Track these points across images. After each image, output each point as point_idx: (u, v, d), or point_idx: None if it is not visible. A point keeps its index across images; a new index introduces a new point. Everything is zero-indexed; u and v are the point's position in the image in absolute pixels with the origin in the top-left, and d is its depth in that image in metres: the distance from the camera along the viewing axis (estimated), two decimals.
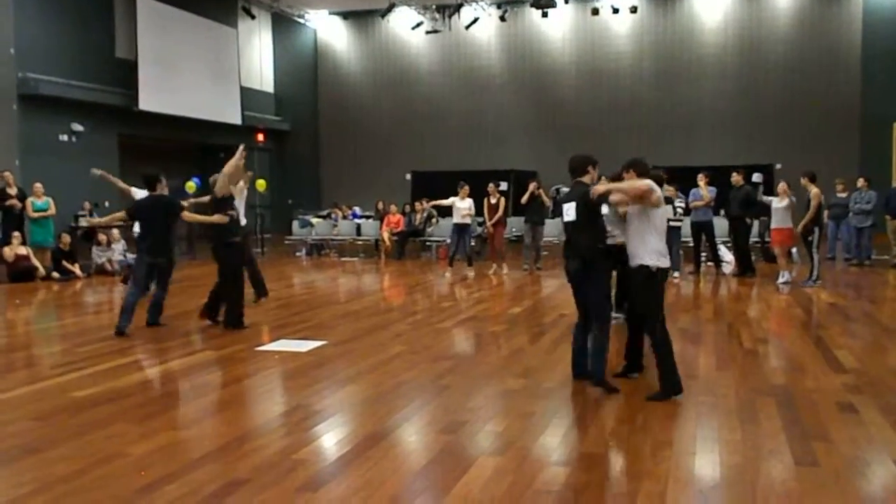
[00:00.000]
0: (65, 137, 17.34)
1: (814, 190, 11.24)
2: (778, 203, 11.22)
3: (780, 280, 11.27)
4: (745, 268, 12.44)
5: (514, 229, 18.71)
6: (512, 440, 4.57)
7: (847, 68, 21.18)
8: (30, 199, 13.47)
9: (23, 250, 13.00)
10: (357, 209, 19.85)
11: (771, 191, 14.34)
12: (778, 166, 19.56)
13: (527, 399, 5.43)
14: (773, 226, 11.48)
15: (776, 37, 21.79)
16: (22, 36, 16.03)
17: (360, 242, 17.81)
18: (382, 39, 24.89)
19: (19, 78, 16.01)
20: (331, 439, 4.62)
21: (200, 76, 20.92)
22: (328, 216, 18.95)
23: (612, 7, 22.10)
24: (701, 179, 12.46)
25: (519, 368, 6.32)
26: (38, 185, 13.65)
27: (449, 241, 14.85)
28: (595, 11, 22.37)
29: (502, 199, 13.59)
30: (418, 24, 23.01)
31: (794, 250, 11.97)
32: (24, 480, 3.92)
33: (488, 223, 13.54)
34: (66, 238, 13.63)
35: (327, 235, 18.09)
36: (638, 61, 22.82)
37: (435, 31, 22.96)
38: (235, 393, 5.91)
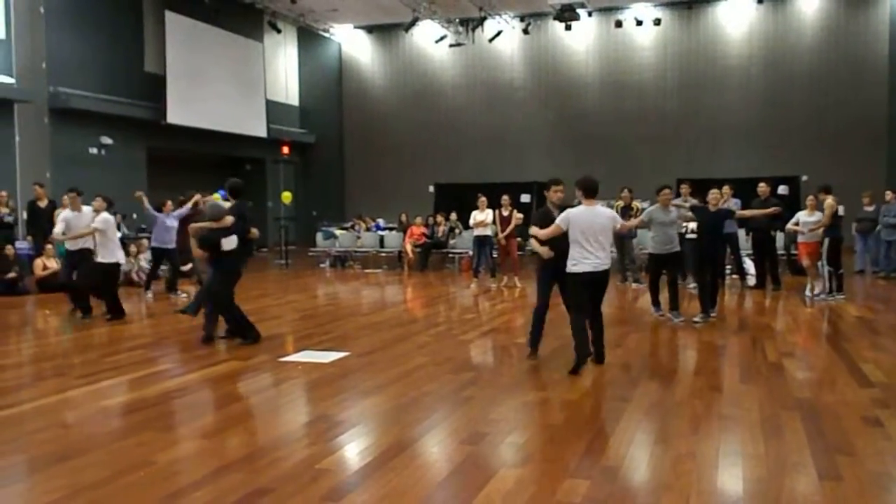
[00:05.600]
0: (95, 150, 17.68)
1: (827, 201, 11.14)
2: (807, 217, 11.13)
3: (808, 293, 11.22)
4: (772, 279, 12.32)
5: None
6: (533, 452, 4.58)
7: (874, 78, 20.96)
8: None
9: (54, 263, 13.22)
10: (380, 221, 19.98)
11: (797, 203, 14.21)
12: (804, 178, 19.37)
13: (548, 411, 5.44)
14: (800, 239, 11.38)
15: (802, 47, 21.63)
16: (53, 51, 16.40)
17: (383, 254, 17.89)
18: (406, 53, 25.09)
19: (51, 92, 16.37)
20: (354, 449, 4.66)
21: (227, 90, 21.23)
22: (352, 228, 19.09)
23: (636, 19, 22.12)
24: (725, 192, 12.38)
25: (540, 380, 6.32)
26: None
27: (471, 252, 14.93)
28: (618, 24, 22.41)
29: (515, 212, 13.60)
30: (442, 38, 23.16)
31: (819, 263, 11.85)
32: (54, 487, 4.00)
33: (500, 235, 13.58)
34: None
35: (351, 247, 18.21)
36: (662, 73, 22.76)
37: (458, 45, 23.10)
38: (260, 403, 5.98)
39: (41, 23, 16.21)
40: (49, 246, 13.31)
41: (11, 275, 12.59)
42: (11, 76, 15.61)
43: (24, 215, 14.00)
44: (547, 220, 6.89)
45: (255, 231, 8.39)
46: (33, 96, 15.89)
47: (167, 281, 12.72)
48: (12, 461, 4.51)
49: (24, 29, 15.97)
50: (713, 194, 9.72)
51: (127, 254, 14.38)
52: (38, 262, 13.09)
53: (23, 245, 13.69)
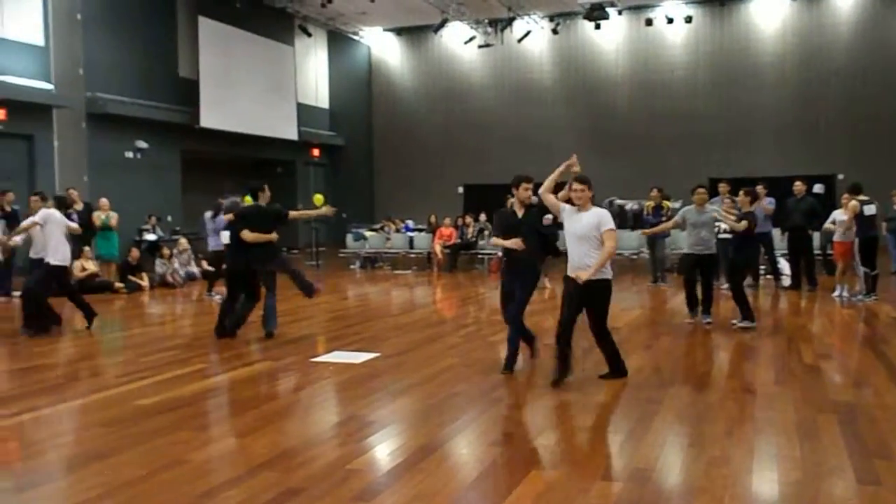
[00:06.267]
0: (130, 154, 17.96)
1: (851, 203, 10.97)
2: (842, 216, 10.95)
3: (836, 294, 11.06)
4: (808, 280, 12.16)
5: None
6: (564, 454, 4.56)
7: None
8: (96, 214, 14.00)
9: (91, 265, 13.47)
10: (410, 222, 20.02)
11: (834, 202, 13.98)
12: (840, 177, 19.05)
13: (579, 412, 5.41)
14: (835, 238, 11.21)
15: (838, 44, 21.22)
16: (90, 57, 16.72)
17: (412, 255, 17.95)
18: (435, 54, 25.14)
19: (88, 97, 16.69)
20: (384, 450, 4.69)
21: (259, 93, 21.45)
22: (381, 229, 19.17)
23: (667, 17, 21.90)
24: (759, 191, 12.22)
25: (570, 382, 6.28)
26: (104, 201, 14.20)
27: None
28: (649, 22, 22.20)
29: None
30: (471, 39, 23.15)
31: (854, 263, 11.65)
32: (92, 485, 4.08)
33: None
34: (136, 252, 14.12)
35: (380, 248, 18.29)
36: (693, 71, 22.50)
37: (487, 45, 23.07)
38: (291, 403, 6.04)
39: (78, 30, 16.52)
40: (87, 248, 13.58)
41: None
42: (50, 82, 15.94)
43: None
44: (510, 222, 6.56)
45: (246, 233, 8.20)
46: (71, 102, 16.21)
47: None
48: (51, 459, 4.62)
49: (62, 36, 16.30)
50: (740, 197, 9.39)
51: (160, 256, 14.67)
52: (77, 264, 13.33)
53: None
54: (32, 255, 9.58)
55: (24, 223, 9.48)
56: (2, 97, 14.63)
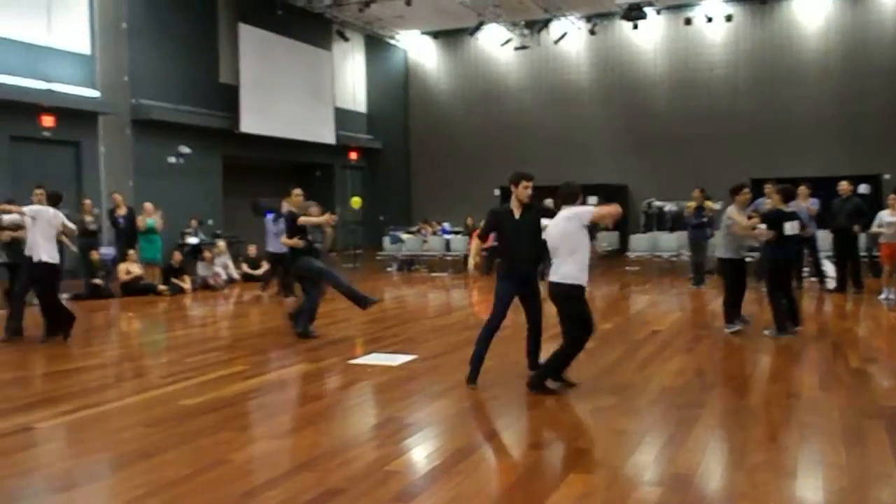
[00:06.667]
0: (173, 159, 18.31)
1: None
2: (889, 217, 10.70)
3: (882, 296, 10.78)
4: (854, 282, 11.88)
5: (605, 243, 18.48)
6: (602, 458, 4.53)
7: None
8: (140, 217, 14.30)
9: (136, 268, 13.76)
10: (446, 225, 20.07)
11: (880, 202, 13.64)
12: (886, 176, 18.58)
13: (618, 416, 5.37)
14: (882, 240, 10.96)
15: (883, 40, 20.69)
16: (135, 65, 17.11)
17: (449, 258, 17.98)
18: (471, 57, 25.16)
19: (133, 104, 17.08)
20: (422, 452, 4.71)
21: (297, 98, 21.70)
22: (418, 232, 19.24)
23: (706, 16, 21.61)
24: (802, 191, 11.98)
25: (610, 385, 6.24)
26: (148, 205, 14.50)
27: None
28: (688, 21, 21.92)
29: None
30: (507, 41, 23.12)
31: None
32: (138, 483, 4.17)
33: None
34: (178, 255, 14.40)
35: (417, 251, 18.36)
36: (734, 70, 22.16)
37: (524, 47, 23.01)
38: (330, 404, 6.10)
39: (123, 39, 16.92)
40: (132, 252, 13.88)
41: (97, 281, 13.17)
42: (96, 90, 16.35)
43: (108, 222, 14.61)
44: (506, 224, 6.37)
45: (282, 238, 8.85)
46: (116, 109, 16.61)
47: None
48: (98, 458, 4.73)
49: (108, 45, 16.71)
50: (774, 196, 8.89)
51: (202, 259, 14.94)
52: (122, 267, 13.66)
53: (107, 250, 14.32)
54: (26, 252, 8.92)
55: (12, 207, 9.15)
56: (50, 105, 15.07)
